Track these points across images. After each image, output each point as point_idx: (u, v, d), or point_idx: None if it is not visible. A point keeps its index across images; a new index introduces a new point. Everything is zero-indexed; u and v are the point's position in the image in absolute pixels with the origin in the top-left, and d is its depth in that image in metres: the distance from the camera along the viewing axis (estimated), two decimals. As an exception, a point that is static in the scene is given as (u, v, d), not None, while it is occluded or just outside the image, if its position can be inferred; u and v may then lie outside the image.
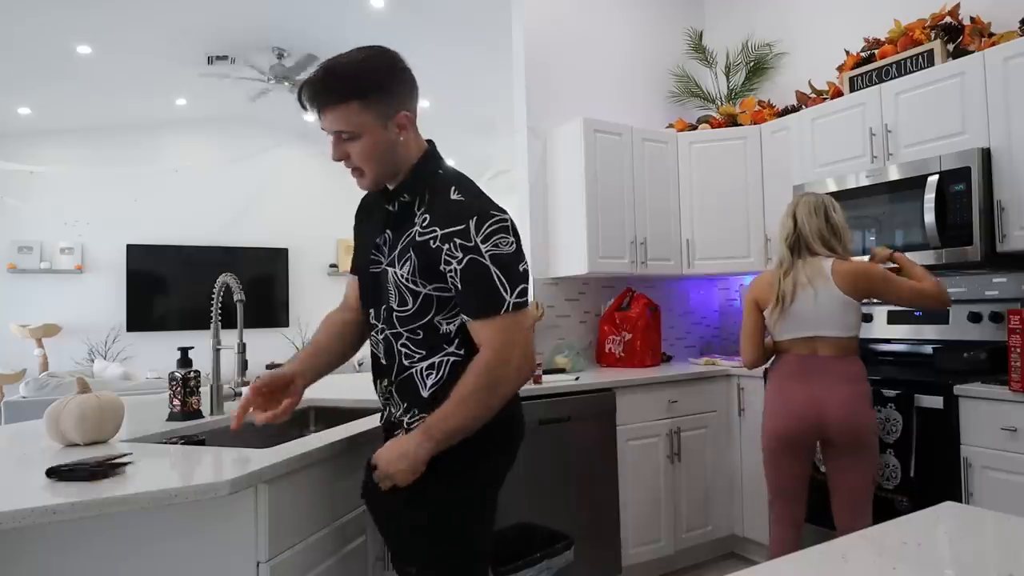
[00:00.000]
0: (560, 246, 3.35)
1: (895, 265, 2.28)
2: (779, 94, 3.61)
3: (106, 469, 1.24)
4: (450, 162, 1.52)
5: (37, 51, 5.08)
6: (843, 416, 2.11)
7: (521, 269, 1.36)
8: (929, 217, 2.48)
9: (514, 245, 1.35)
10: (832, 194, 2.87)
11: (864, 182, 2.76)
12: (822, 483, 2.27)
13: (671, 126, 3.69)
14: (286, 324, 7.72)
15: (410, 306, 1.39)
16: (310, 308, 7.86)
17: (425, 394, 1.39)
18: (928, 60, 2.70)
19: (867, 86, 2.90)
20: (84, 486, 1.17)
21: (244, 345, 2.14)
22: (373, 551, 1.70)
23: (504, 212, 1.37)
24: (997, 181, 2.38)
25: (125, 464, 1.30)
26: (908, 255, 2.60)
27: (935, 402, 2.31)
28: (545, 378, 2.84)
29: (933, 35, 2.73)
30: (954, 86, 2.50)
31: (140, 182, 7.03)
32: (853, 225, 2.78)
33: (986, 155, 2.39)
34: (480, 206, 1.35)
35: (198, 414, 1.89)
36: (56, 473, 1.22)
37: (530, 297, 1.64)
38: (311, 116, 1.47)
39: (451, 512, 1.39)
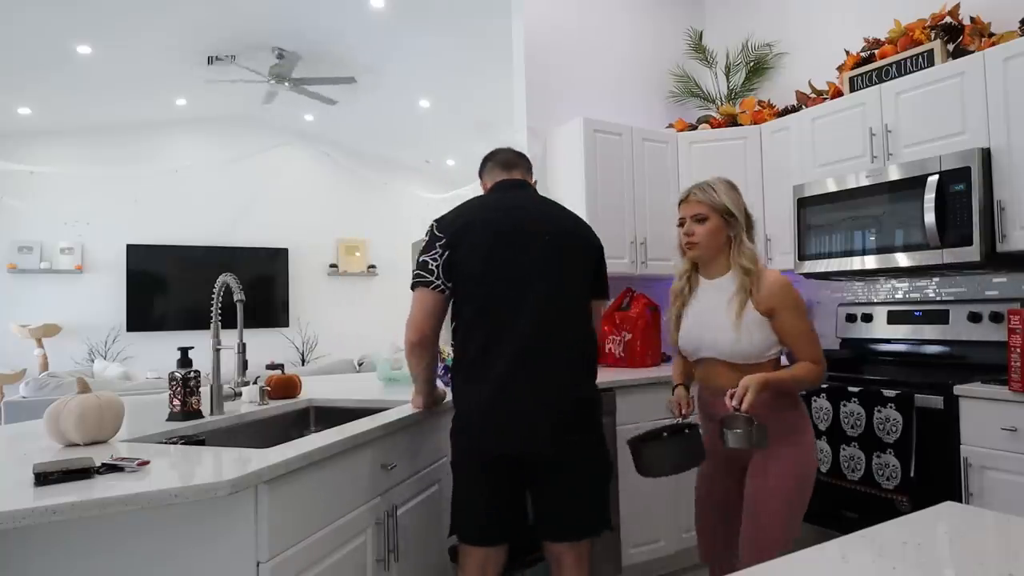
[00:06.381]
0: (560, 246, 3.34)
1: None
2: (779, 94, 3.61)
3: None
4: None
5: (37, 51, 5.08)
6: None
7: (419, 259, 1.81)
8: (929, 217, 2.48)
9: (424, 241, 1.82)
10: (832, 194, 2.88)
11: (864, 182, 2.76)
12: (825, 483, 2.22)
13: (671, 126, 3.69)
14: (286, 324, 7.72)
15: None
16: (310, 308, 7.87)
17: None
18: (928, 60, 2.70)
19: (867, 86, 2.90)
20: (83, 485, 1.17)
21: (244, 345, 2.14)
22: (373, 551, 1.70)
23: (435, 221, 1.85)
24: (997, 181, 2.37)
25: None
26: (909, 255, 2.61)
27: (935, 402, 2.30)
28: (545, 378, 2.83)
29: (933, 35, 2.73)
30: (954, 86, 2.50)
31: (140, 182, 7.03)
32: (853, 225, 2.79)
33: (986, 155, 2.39)
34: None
35: (198, 414, 1.88)
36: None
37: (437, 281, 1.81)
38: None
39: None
